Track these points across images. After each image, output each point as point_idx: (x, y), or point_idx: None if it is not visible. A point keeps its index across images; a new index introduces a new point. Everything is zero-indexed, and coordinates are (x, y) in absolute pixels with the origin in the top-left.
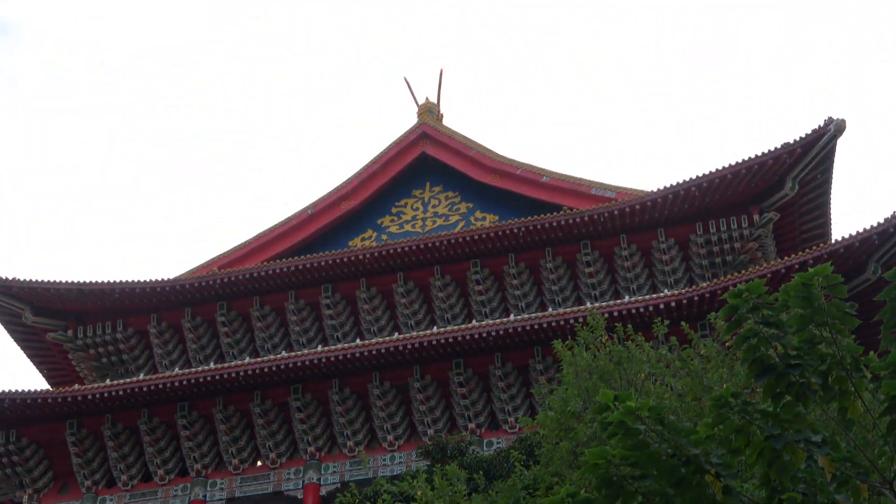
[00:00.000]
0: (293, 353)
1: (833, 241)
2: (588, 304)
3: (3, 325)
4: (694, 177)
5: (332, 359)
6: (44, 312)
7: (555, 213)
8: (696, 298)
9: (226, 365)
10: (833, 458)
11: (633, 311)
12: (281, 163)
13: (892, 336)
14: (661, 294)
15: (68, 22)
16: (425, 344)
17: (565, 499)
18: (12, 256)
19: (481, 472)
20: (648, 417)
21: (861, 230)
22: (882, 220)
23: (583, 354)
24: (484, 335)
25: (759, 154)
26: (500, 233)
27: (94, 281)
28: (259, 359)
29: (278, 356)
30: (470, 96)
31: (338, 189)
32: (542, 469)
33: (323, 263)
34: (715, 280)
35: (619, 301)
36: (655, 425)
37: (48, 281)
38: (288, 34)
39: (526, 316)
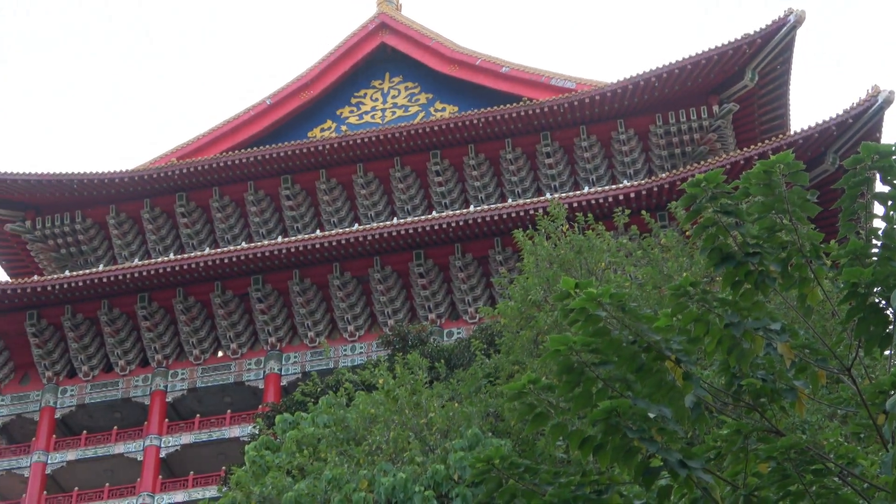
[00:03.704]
0: (253, 244)
1: (792, 133)
2: (548, 195)
3: None
4: (654, 67)
5: (292, 250)
6: (2, 203)
7: (514, 104)
8: (655, 189)
9: (185, 256)
10: (792, 345)
11: (594, 201)
12: (240, 53)
13: (851, 224)
14: (621, 185)
15: None
16: (385, 235)
17: (527, 385)
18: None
19: (442, 361)
20: (609, 304)
21: (820, 121)
22: (841, 112)
23: (543, 244)
24: (444, 226)
25: (719, 45)
26: (460, 123)
27: (52, 172)
28: (218, 249)
29: (238, 247)
30: None
31: (297, 79)
32: (503, 358)
33: (282, 154)
34: (674, 171)
35: (579, 191)
36: (616, 312)
37: (6, 171)
38: None
39: (486, 207)
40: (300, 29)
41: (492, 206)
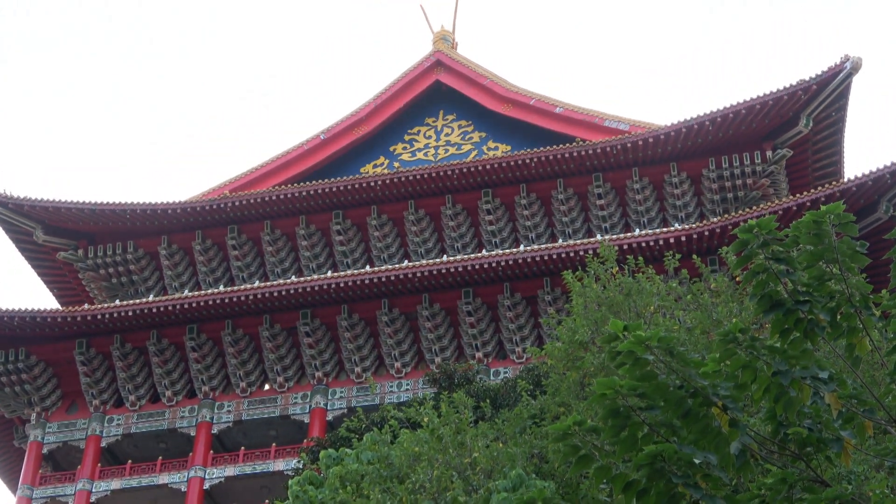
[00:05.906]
0: (303, 279)
1: (846, 180)
2: (598, 237)
3: (14, 243)
4: (708, 111)
5: (342, 285)
6: (55, 232)
7: (567, 145)
8: (707, 233)
9: (235, 288)
10: (839, 394)
11: (644, 244)
12: (294, 88)
13: None
14: (673, 228)
15: None
16: (435, 272)
17: (572, 426)
18: (25, 176)
19: (488, 401)
20: (658, 347)
21: (874, 169)
22: (895, 160)
23: (592, 286)
24: (493, 265)
25: (775, 90)
26: (513, 163)
27: (105, 201)
28: (268, 283)
29: (288, 281)
30: (485, 25)
31: (351, 115)
32: (548, 399)
33: (334, 189)
34: (726, 215)
35: (630, 234)
36: (664, 356)
37: (60, 200)
38: None
39: (536, 247)
40: (356, 64)
41: (542, 246)
